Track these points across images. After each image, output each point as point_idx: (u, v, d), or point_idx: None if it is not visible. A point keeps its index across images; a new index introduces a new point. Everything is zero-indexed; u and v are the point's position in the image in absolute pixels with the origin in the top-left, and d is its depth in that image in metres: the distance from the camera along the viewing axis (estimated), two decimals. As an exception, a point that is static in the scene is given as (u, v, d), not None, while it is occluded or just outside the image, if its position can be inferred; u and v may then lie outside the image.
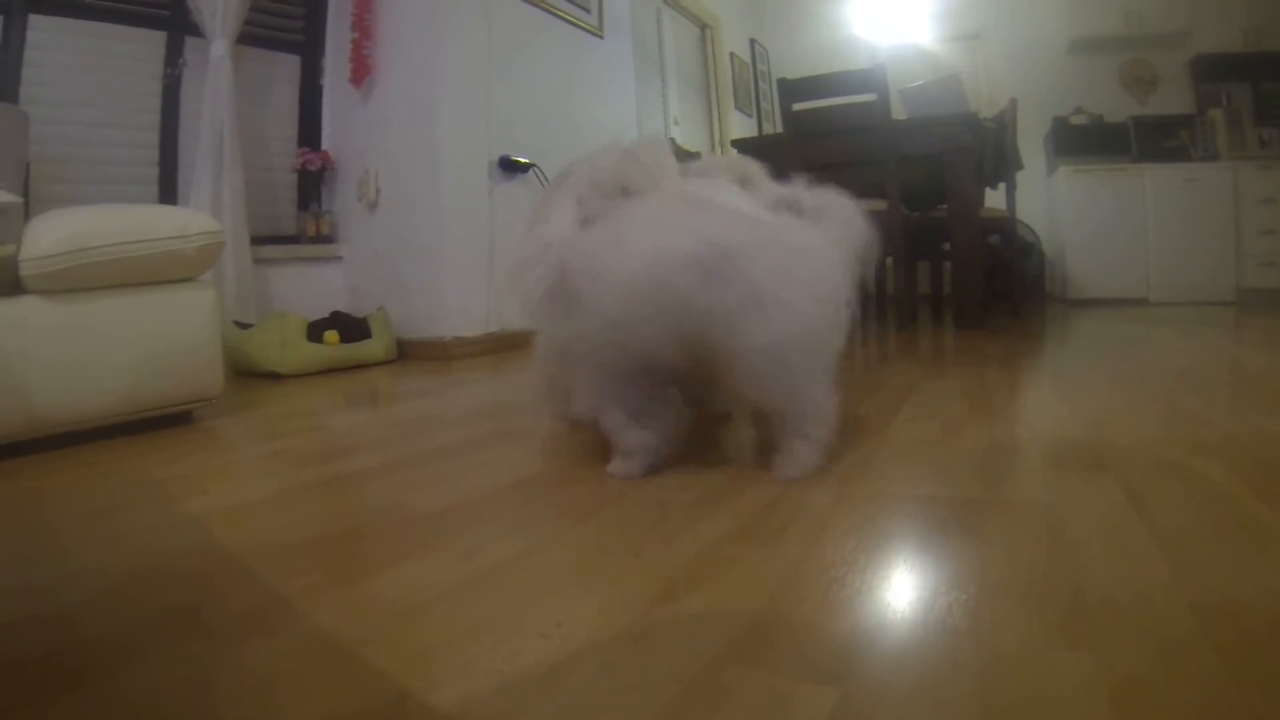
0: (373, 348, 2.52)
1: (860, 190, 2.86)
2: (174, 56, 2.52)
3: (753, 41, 5.42)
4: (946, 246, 2.89)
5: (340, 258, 2.94)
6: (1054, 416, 1.38)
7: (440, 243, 2.64)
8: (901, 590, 0.66)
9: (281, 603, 0.66)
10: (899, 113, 2.90)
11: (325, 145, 2.99)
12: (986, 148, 3.00)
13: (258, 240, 2.65)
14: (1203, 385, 1.63)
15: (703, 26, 4.82)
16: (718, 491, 0.96)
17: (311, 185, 2.98)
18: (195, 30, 2.49)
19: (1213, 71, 4.60)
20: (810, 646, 0.56)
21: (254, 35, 2.70)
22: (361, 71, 2.80)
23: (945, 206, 2.78)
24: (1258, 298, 4.18)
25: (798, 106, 2.69)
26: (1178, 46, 4.66)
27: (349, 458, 1.23)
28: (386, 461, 1.19)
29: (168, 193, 2.52)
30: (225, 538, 0.86)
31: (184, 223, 1.51)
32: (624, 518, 0.89)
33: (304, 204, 2.95)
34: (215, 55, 2.48)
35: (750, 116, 5.30)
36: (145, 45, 2.48)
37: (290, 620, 0.63)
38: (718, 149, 4.77)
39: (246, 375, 2.29)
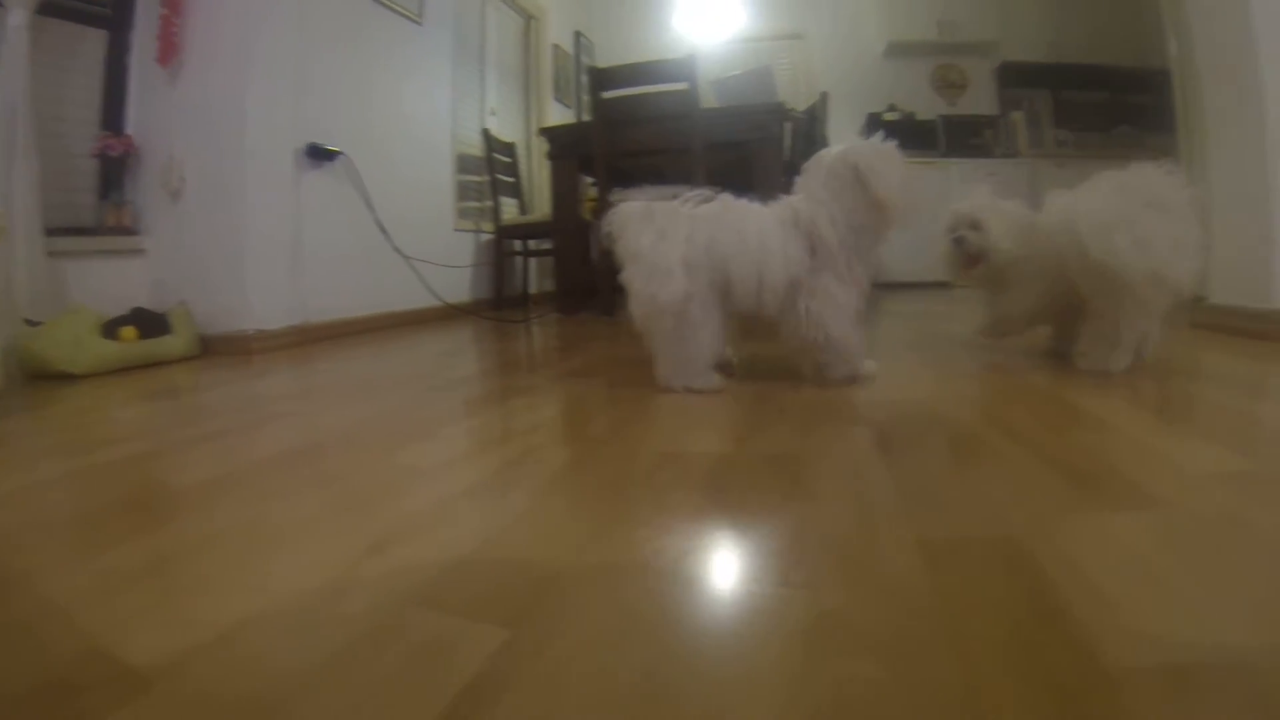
0: (172, 344, 2.40)
1: (669, 177, 3.03)
2: (-35, 25, 2.31)
3: (578, 34, 5.52)
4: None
5: (143, 250, 2.77)
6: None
7: (243, 234, 2.55)
8: (612, 537, 0.68)
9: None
10: (711, 103, 3.04)
11: (130, 129, 2.80)
12: (796, 137, 3.20)
13: (53, 231, 2.44)
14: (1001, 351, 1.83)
15: (528, 18, 4.87)
16: (461, 454, 1.02)
17: (113, 173, 2.78)
18: (-9, -3, 2.28)
19: (1017, 78, 5.09)
20: (501, 590, 0.58)
21: (58, 6, 2.49)
22: (169, 50, 2.63)
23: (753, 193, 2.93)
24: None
25: (607, 94, 2.77)
26: (986, 54, 5.13)
27: (120, 445, 1.19)
28: (154, 447, 1.16)
29: (-48, 180, 2.30)
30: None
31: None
32: (365, 480, 0.91)
33: (105, 193, 2.76)
34: (13, 25, 2.25)
35: (570, 108, 5.40)
36: (-73, 15, 2.25)
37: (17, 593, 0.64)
38: (532, 139, 4.83)
39: (39, 377, 2.12)
